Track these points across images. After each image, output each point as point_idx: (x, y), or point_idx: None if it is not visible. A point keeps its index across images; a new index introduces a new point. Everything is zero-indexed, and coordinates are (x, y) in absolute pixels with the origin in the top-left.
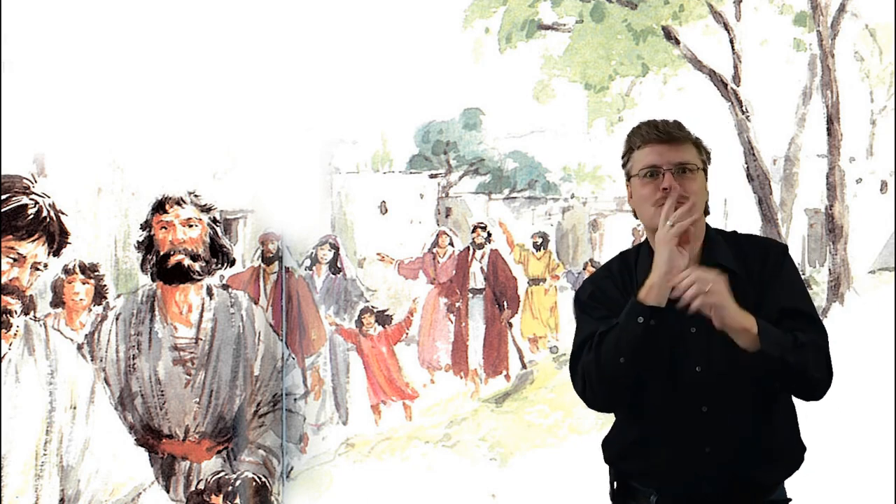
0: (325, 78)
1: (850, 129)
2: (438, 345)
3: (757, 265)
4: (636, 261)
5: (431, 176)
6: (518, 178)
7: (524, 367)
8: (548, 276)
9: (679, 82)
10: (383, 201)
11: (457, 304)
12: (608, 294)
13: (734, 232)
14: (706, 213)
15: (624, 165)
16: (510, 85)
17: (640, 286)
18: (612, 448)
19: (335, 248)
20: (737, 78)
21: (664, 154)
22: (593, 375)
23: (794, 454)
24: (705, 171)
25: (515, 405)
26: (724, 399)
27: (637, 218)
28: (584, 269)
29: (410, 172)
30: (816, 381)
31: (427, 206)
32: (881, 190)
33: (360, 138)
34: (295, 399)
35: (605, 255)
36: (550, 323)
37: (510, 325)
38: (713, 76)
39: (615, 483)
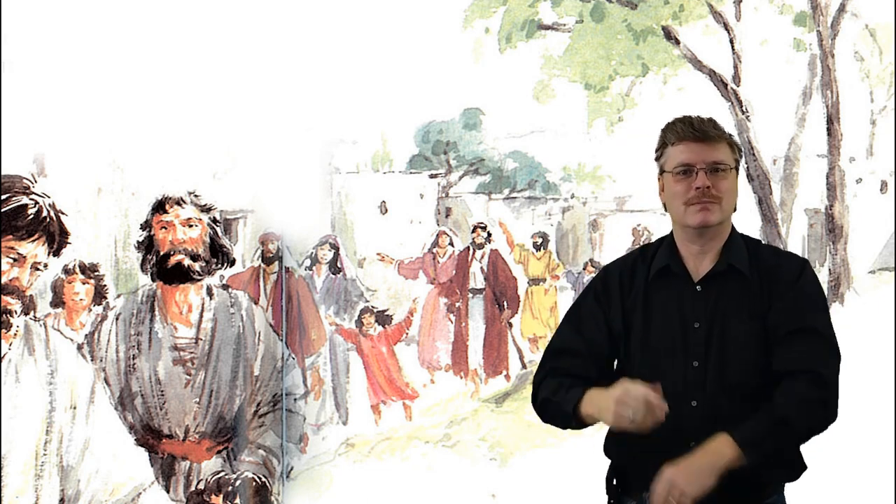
0: (325, 78)
1: (850, 129)
2: (438, 345)
3: (770, 276)
4: (655, 253)
5: (431, 176)
6: (518, 178)
7: (524, 367)
8: (548, 276)
9: (679, 82)
10: (383, 201)
11: (457, 304)
12: (610, 291)
13: (757, 240)
14: (734, 210)
15: (657, 159)
16: (510, 85)
17: (655, 277)
18: (608, 439)
19: (335, 248)
20: (737, 78)
21: (698, 153)
22: (540, 417)
23: (788, 461)
24: (737, 169)
25: (515, 405)
26: (716, 396)
27: (666, 211)
28: (583, 269)
29: (410, 172)
30: (811, 431)
31: (427, 206)
32: (881, 190)
33: (360, 138)
34: (295, 399)
35: (605, 255)
36: (550, 323)
37: (510, 325)
38: (713, 76)
39: (613, 479)
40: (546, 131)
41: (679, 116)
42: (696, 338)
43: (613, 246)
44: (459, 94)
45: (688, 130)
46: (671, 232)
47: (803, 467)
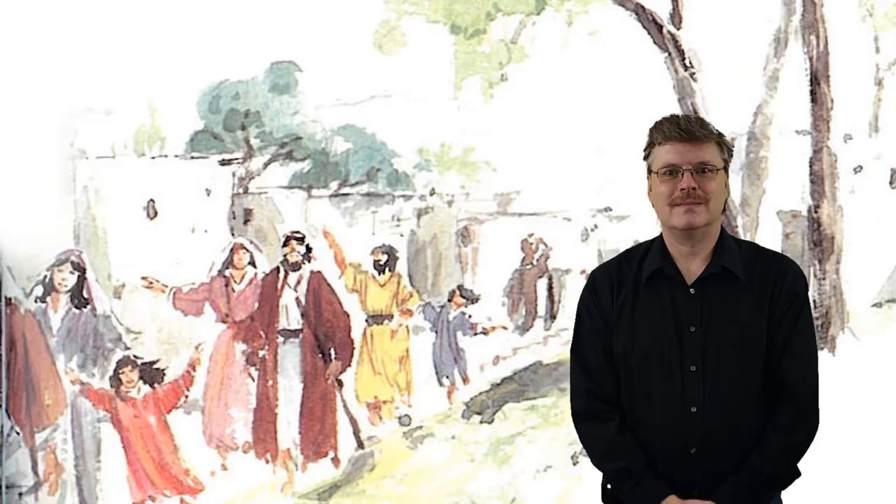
0: (66, 18)
1: (845, 94)
2: (233, 413)
3: (769, 283)
4: (645, 255)
5: (223, 162)
6: (352, 164)
7: (360, 446)
8: (395, 310)
9: (591, 23)
10: (151, 200)
11: (260, 353)
12: (602, 299)
13: (749, 241)
14: (722, 210)
15: (645, 158)
16: (339, 28)
17: (647, 280)
18: None
19: (80, 269)
20: (676, 17)
21: (684, 153)
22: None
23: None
24: (726, 169)
25: (348, 503)
26: (715, 401)
27: (655, 213)
28: (449, 300)
29: (191, 157)
30: (800, 460)
31: (217, 206)
32: (890, 183)
33: (116, 107)
34: (20, 494)
35: (482, 280)
36: (400, 381)
37: (340, 383)
38: (641, 14)
39: (608, 484)
40: (393, 96)
41: (666, 115)
42: (693, 342)
43: (495, 266)
44: (264, 42)
45: (674, 130)
46: (660, 235)
47: (796, 474)
